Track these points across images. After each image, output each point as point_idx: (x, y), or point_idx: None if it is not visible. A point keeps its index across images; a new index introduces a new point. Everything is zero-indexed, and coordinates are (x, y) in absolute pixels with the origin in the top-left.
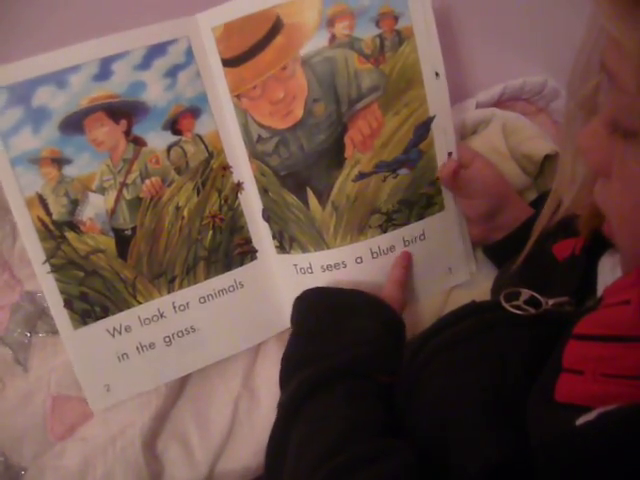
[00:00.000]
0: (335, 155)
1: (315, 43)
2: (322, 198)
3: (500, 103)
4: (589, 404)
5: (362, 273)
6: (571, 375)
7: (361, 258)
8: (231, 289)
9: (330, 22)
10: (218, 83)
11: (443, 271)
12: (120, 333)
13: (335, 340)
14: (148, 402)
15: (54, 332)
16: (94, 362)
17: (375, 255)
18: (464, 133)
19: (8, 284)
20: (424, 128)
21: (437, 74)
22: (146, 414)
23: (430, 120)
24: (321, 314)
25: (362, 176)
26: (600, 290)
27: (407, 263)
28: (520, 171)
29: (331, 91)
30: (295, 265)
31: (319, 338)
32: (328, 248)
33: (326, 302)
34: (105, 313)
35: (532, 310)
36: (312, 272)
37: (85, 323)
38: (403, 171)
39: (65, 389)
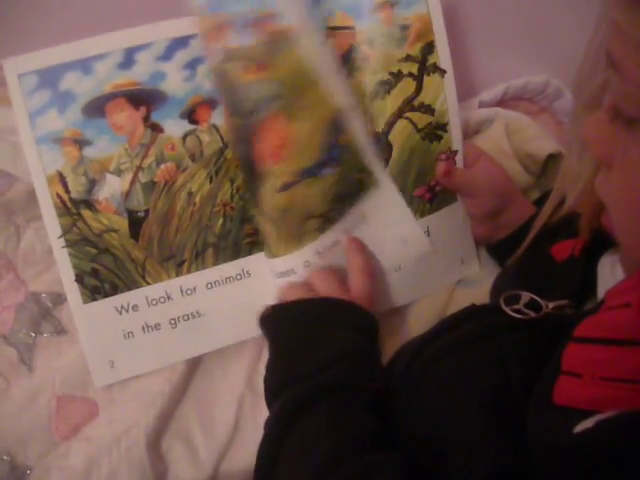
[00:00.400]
0: (249, 170)
1: (211, 61)
2: (259, 210)
3: (503, 102)
4: (587, 407)
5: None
6: (570, 378)
7: (308, 261)
8: (238, 277)
9: (209, 37)
10: None
11: (456, 263)
12: (127, 311)
13: (313, 357)
14: (152, 402)
15: (58, 332)
16: (101, 337)
17: (320, 255)
18: (467, 132)
19: (13, 284)
20: (333, 125)
21: (444, 72)
22: (150, 414)
23: (338, 115)
24: (293, 331)
25: (286, 186)
26: (600, 291)
27: (361, 247)
28: (523, 170)
29: (234, 106)
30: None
31: (297, 357)
32: (275, 257)
33: (294, 317)
34: (114, 291)
35: (532, 314)
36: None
37: (94, 299)
38: (327, 171)
39: (70, 389)
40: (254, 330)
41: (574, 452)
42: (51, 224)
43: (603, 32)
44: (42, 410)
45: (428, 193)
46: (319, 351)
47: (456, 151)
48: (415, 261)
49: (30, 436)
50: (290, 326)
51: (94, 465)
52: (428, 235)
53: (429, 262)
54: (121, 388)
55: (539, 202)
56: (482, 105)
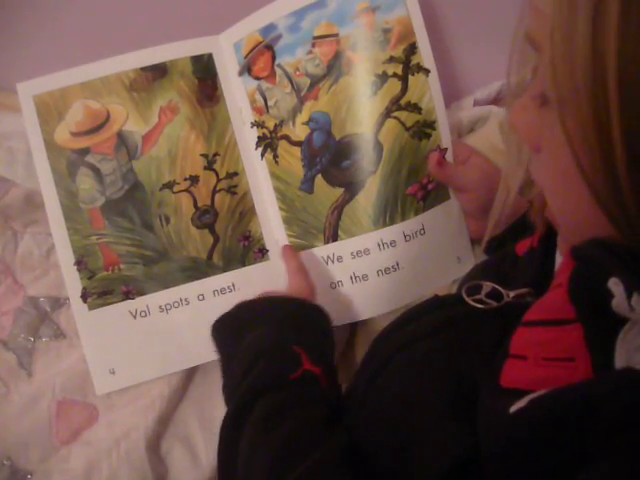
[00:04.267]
0: None
1: None
2: None
3: (498, 100)
4: (531, 388)
5: None
6: (516, 361)
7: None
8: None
9: None
10: None
11: (452, 261)
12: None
13: (236, 367)
14: (152, 405)
15: (57, 337)
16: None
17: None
18: (462, 131)
19: (11, 289)
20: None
21: (428, 71)
22: (150, 417)
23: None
24: (225, 343)
25: None
26: None
27: (293, 252)
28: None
29: None
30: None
31: (228, 368)
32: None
33: (225, 328)
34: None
35: (494, 303)
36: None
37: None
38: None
39: (70, 393)
40: None
41: (507, 432)
42: (57, 228)
43: (525, 17)
44: (42, 414)
45: (421, 191)
46: (240, 358)
47: (446, 149)
48: (413, 260)
49: (30, 440)
50: (219, 340)
51: (94, 468)
52: (423, 233)
53: (426, 261)
54: (120, 392)
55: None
56: (477, 103)
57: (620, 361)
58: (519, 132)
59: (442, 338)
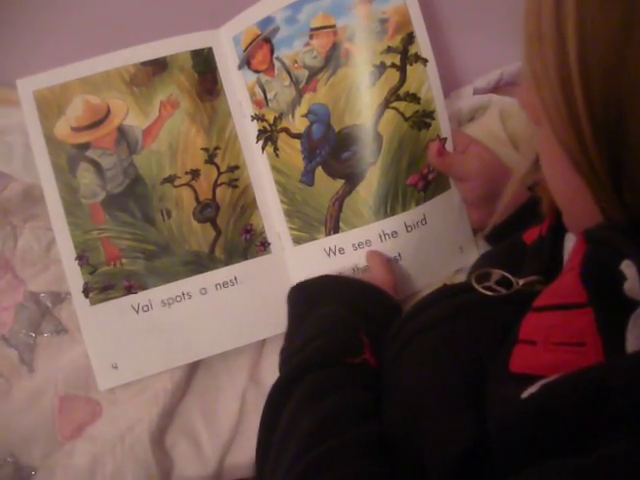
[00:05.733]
0: None
1: None
2: None
3: (498, 89)
4: (540, 373)
5: None
6: (526, 346)
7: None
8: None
9: None
10: None
11: (455, 251)
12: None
13: (301, 334)
14: (155, 399)
15: (59, 332)
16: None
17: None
18: (461, 120)
19: (11, 285)
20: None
21: (426, 60)
22: (154, 411)
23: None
24: (299, 308)
25: None
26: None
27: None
28: (519, 156)
29: None
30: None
31: (297, 332)
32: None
33: (303, 295)
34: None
35: (503, 290)
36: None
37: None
38: None
39: (72, 389)
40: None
41: (520, 418)
42: (58, 224)
43: None
44: (45, 410)
45: (421, 181)
46: (306, 328)
47: (445, 138)
48: (415, 251)
49: (33, 437)
50: (293, 304)
51: (99, 463)
52: (425, 224)
53: (429, 251)
54: (124, 386)
55: (532, 187)
56: (477, 92)
57: (631, 345)
58: (524, 109)
59: (452, 326)
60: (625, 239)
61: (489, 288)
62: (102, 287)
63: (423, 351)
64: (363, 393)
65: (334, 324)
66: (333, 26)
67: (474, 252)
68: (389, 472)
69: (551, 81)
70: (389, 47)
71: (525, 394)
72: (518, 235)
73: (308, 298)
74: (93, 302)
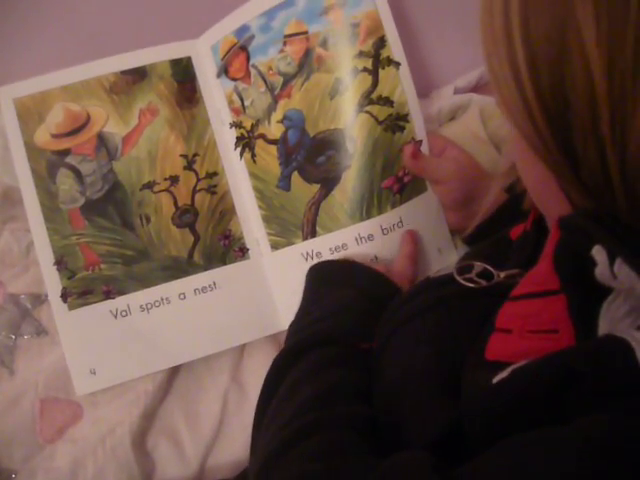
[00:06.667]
0: None
1: None
2: None
3: (478, 88)
4: (514, 360)
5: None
6: (501, 334)
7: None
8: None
9: None
10: None
11: (433, 252)
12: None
13: (320, 310)
14: (136, 400)
15: (39, 333)
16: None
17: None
18: (442, 120)
19: None
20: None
21: (399, 64)
22: (135, 412)
23: None
24: (316, 286)
25: None
26: None
27: (415, 239)
28: (499, 156)
29: None
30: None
31: (311, 308)
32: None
33: (322, 274)
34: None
35: (484, 282)
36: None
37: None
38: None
39: (53, 391)
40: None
41: (490, 403)
42: (37, 229)
43: None
44: (26, 413)
45: (396, 184)
46: (326, 305)
47: (420, 141)
48: (392, 253)
49: (14, 439)
50: (319, 281)
51: (80, 466)
52: (401, 226)
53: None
54: (105, 388)
55: (510, 189)
56: (457, 92)
57: (603, 331)
58: (498, 106)
59: (433, 317)
60: (596, 225)
61: (470, 280)
62: (80, 292)
63: (406, 341)
64: (365, 376)
65: (349, 307)
66: (306, 32)
67: (452, 254)
68: (373, 448)
69: (506, 78)
70: (361, 51)
71: (496, 379)
72: (505, 231)
73: (327, 277)
74: (71, 307)
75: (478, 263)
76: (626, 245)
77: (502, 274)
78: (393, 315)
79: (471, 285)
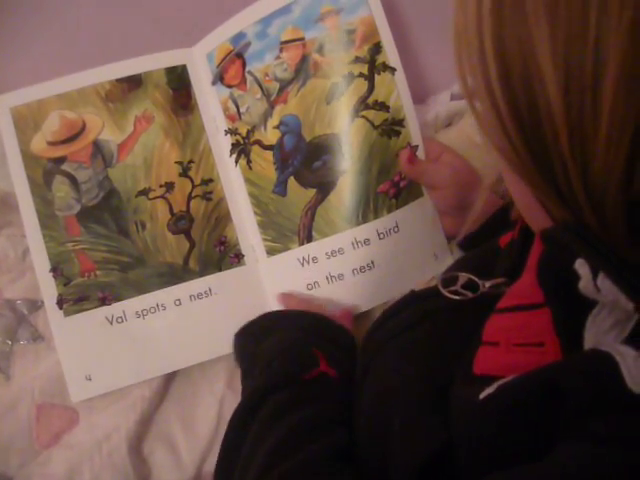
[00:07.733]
0: None
1: None
2: None
3: None
4: (501, 374)
5: None
6: (488, 347)
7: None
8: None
9: None
10: None
11: (428, 258)
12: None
13: (255, 366)
14: (133, 406)
15: (35, 339)
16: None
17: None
18: (438, 125)
19: None
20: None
21: (394, 69)
22: (131, 418)
23: None
24: (247, 345)
25: None
26: None
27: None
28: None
29: None
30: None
31: (248, 371)
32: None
33: (249, 332)
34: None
35: (469, 294)
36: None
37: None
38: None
39: (49, 397)
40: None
41: (477, 419)
42: (32, 236)
43: None
44: (22, 419)
45: (392, 188)
46: (257, 359)
47: (416, 146)
48: (389, 258)
49: (10, 445)
50: (239, 341)
51: (76, 472)
52: (397, 231)
53: (402, 258)
54: (101, 394)
55: (505, 195)
56: (454, 98)
57: (589, 344)
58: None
59: (419, 332)
60: (578, 238)
61: (455, 292)
62: (76, 298)
63: (392, 358)
64: (324, 407)
65: (284, 346)
66: (302, 39)
67: (448, 259)
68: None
69: (480, 92)
70: (357, 57)
71: (482, 395)
72: (494, 240)
73: (254, 335)
74: (67, 313)
75: (463, 274)
76: (607, 259)
77: (487, 284)
78: (377, 331)
79: (456, 297)
